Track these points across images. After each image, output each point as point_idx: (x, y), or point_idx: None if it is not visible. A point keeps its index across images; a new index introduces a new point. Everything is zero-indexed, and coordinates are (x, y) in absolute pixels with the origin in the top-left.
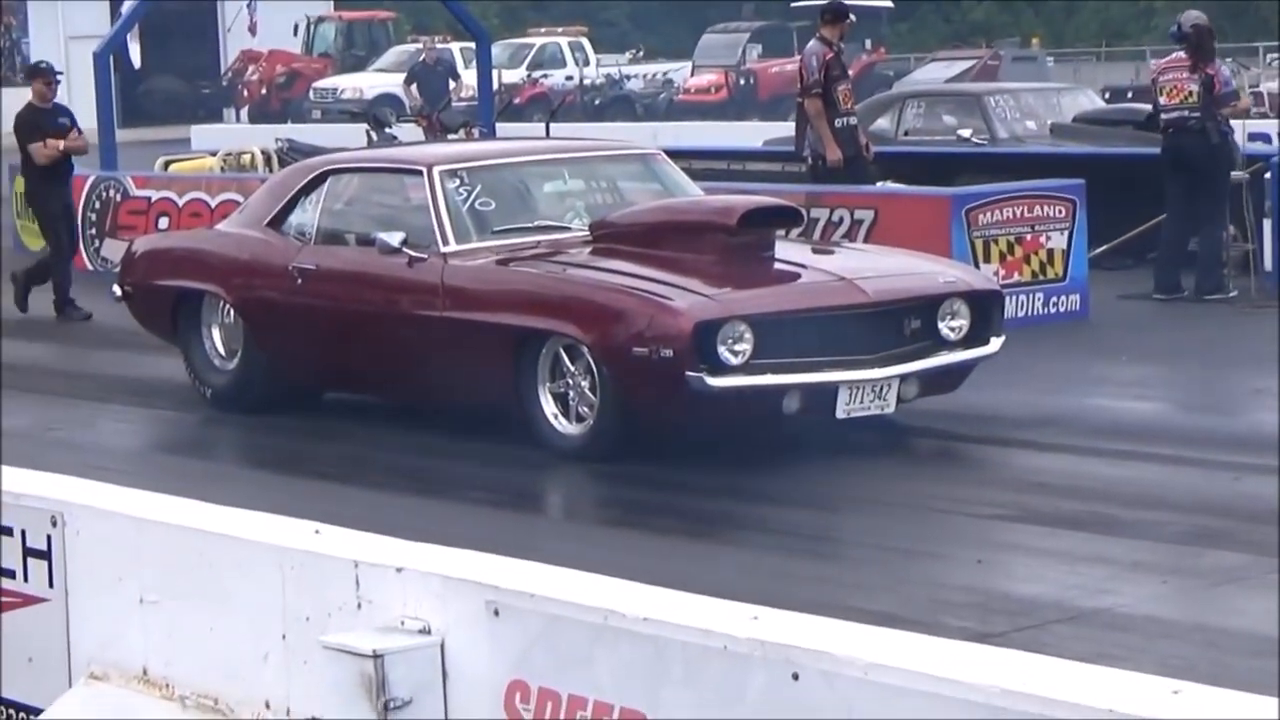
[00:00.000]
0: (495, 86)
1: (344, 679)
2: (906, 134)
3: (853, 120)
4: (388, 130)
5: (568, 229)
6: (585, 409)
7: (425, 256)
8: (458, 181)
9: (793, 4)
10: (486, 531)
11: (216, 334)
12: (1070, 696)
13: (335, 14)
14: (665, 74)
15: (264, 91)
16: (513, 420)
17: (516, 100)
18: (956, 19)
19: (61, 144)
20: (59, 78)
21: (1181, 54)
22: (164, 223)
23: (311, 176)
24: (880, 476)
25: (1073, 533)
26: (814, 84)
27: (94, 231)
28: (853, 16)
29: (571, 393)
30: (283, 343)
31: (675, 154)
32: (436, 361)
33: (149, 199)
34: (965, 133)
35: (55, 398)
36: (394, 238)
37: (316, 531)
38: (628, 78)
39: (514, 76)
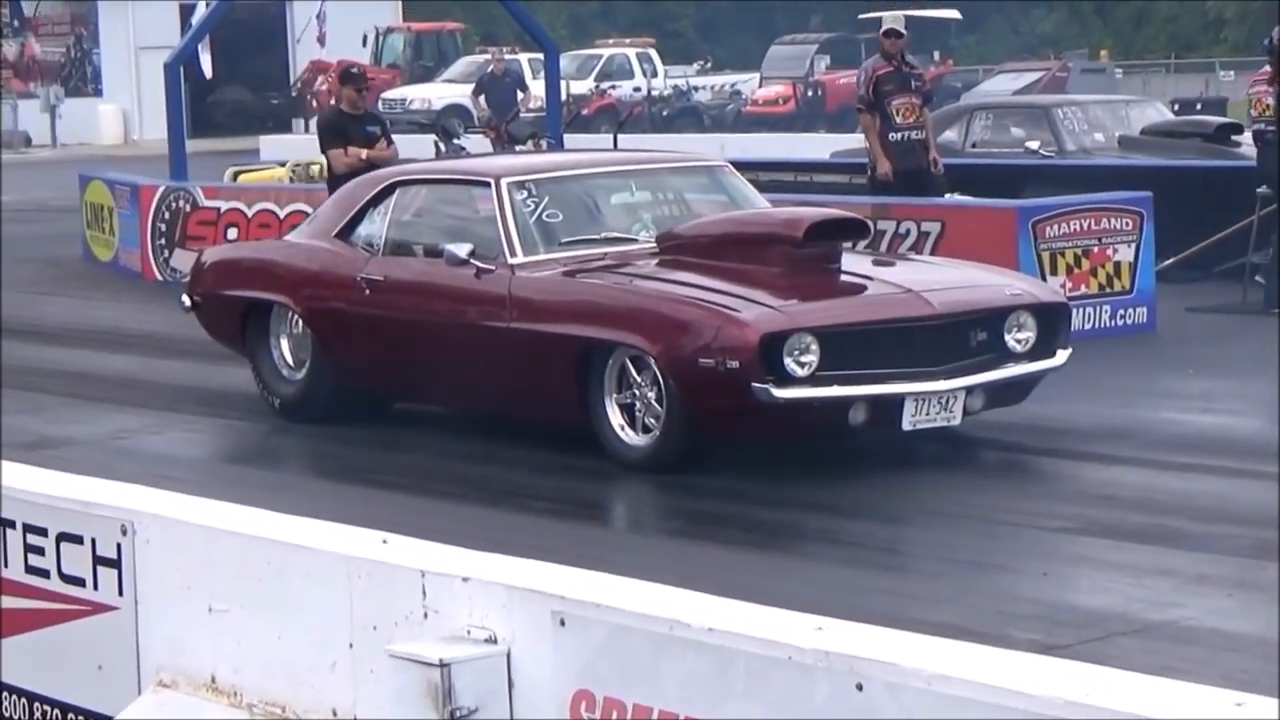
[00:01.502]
0: (563, 98)
1: (410, 687)
2: (974, 146)
3: (914, 134)
4: (456, 141)
5: (634, 240)
6: (651, 420)
7: (493, 268)
8: (525, 193)
9: (860, 16)
10: (550, 541)
11: (285, 344)
12: (1133, 709)
13: (404, 25)
14: (733, 85)
15: (333, 101)
16: (579, 431)
17: (584, 111)
18: (1025, 30)
19: (365, 153)
20: (369, 84)
21: (1268, 67)
22: (233, 233)
23: (380, 188)
24: (946, 488)
25: (1138, 545)
26: (860, 99)
27: (163, 242)
28: (904, 33)
29: (638, 404)
30: (350, 353)
31: (742, 166)
32: (503, 372)
33: (218, 209)
34: (1033, 145)
35: (126, 406)
36: (462, 249)
37: (384, 541)
38: (695, 89)
39: (582, 88)
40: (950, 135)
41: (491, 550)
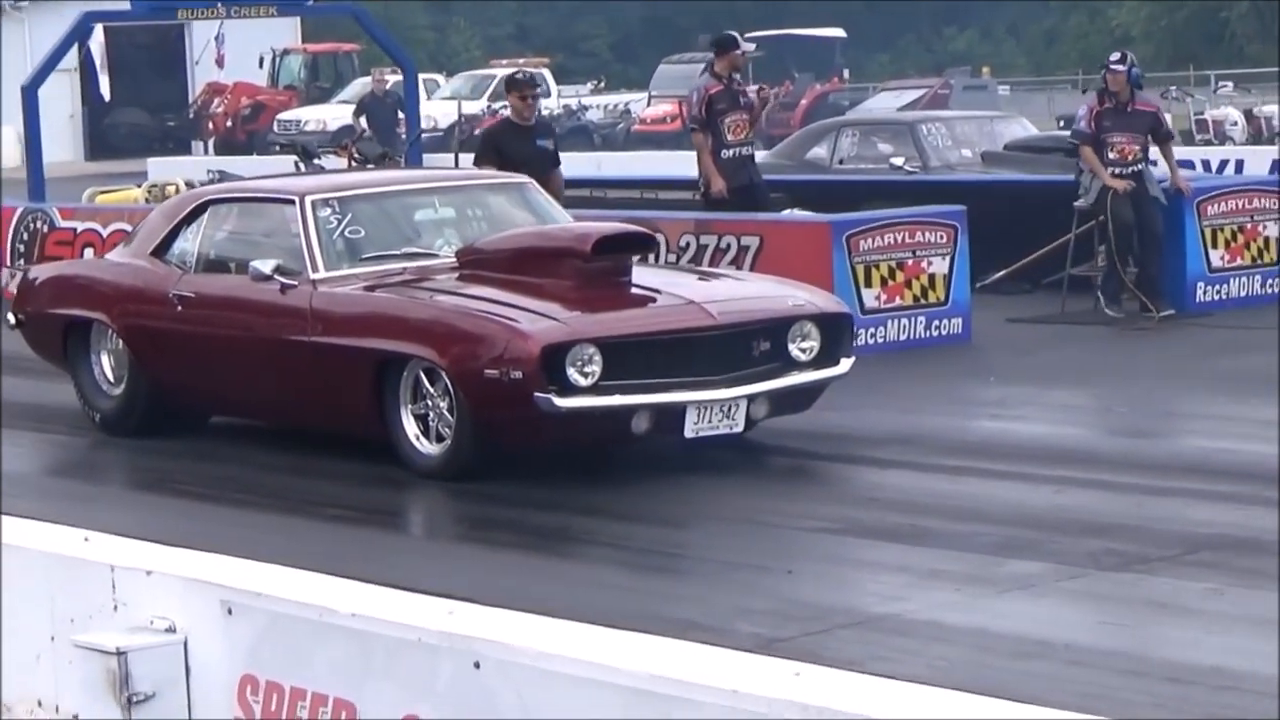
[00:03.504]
0: (456, 117)
1: (93, 676)
2: (841, 162)
3: (745, 151)
4: (315, 161)
5: (436, 255)
6: (445, 429)
7: (296, 283)
8: (329, 210)
9: (746, 35)
10: (333, 547)
11: (105, 360)
12: (703, 679)
13: (300, 46)
14: (625, 104)
15: (229, 124)
16: (379, 442)
17: (476, 130)
18: (938, 49)
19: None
20: (534, 86)
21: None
22: (89, 253)
23: (193, 206)
24: (725, 493)
25: (888, 544)
26: (694, 119)
27: (22, 262)
28: (745, 46)
29: (431, 414)
30: (164, 368)
31: (595, 183)
32: (306, 385)
33: (74, 230)
34: (898, 161)
35: None
36: (266, 265)
37: (86, 539)
38: (586, 108)
39: (474, 108)
40: (819, 151)
41: (265, 553)
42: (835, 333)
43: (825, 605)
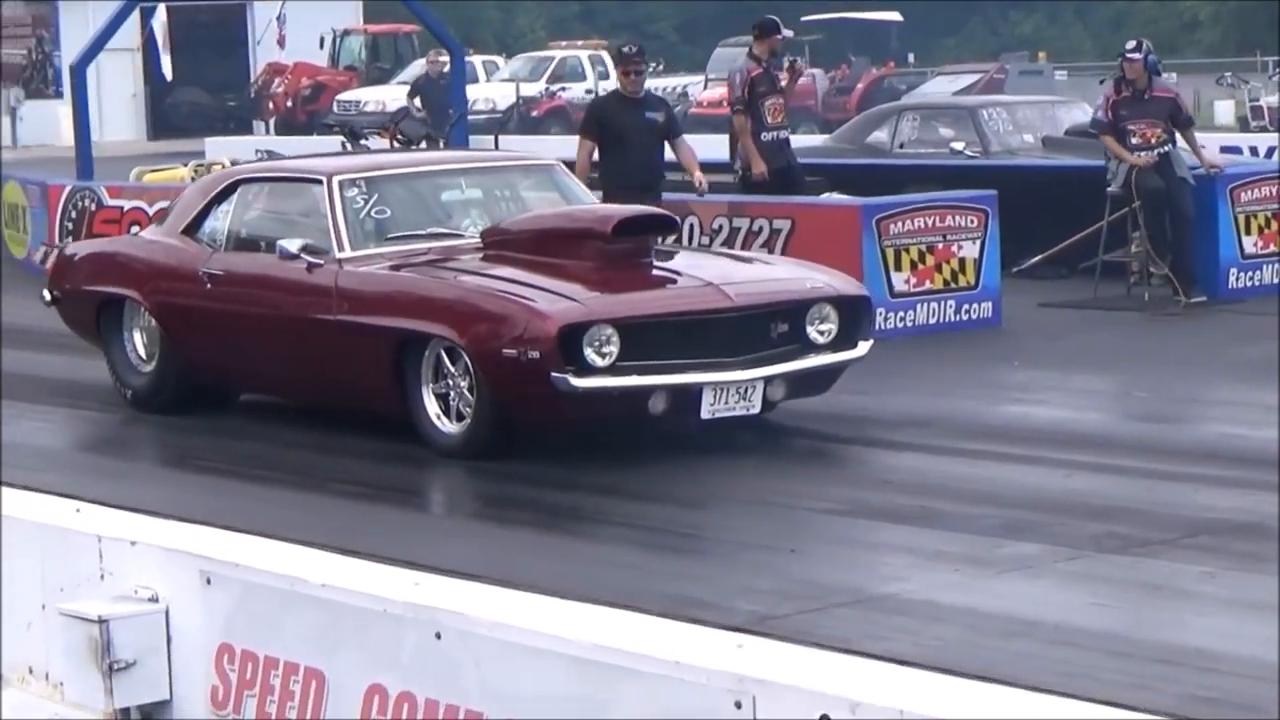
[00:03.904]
0: (514, 99)
1: (76, 643)
2: (902, 146)
3: (782, 134)
4: (362, 142)
5: (461, 236)
6: (465, 408)
7: (322, 262)
8: (355, 190)
9: (803, 18)
10: (350, 523)
11: (137, 337)
12: (647, 650)
13: (361, 27)
14: (682, 87)
15: (289, 104)
16: (400, 420)
17: (534, 113)
18: (1005, 32)
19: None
20: (640, 59)
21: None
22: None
23: (224, 186)
24: (740, 474)
25: (895, 526)
26: (737, 100)
27: (70, 239)
28: (785, 32)
29: (452, 393)
30: (194, 345)
31: None
32: (330, 362)
33: (121, 208)
34: (959, 146)
35: None
36: (293, 244)
37: (78, 510)
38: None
39: (532, 90)
40: (880, 136)
41: (280, 533)
42: (854, 315)
43: (825, 584)
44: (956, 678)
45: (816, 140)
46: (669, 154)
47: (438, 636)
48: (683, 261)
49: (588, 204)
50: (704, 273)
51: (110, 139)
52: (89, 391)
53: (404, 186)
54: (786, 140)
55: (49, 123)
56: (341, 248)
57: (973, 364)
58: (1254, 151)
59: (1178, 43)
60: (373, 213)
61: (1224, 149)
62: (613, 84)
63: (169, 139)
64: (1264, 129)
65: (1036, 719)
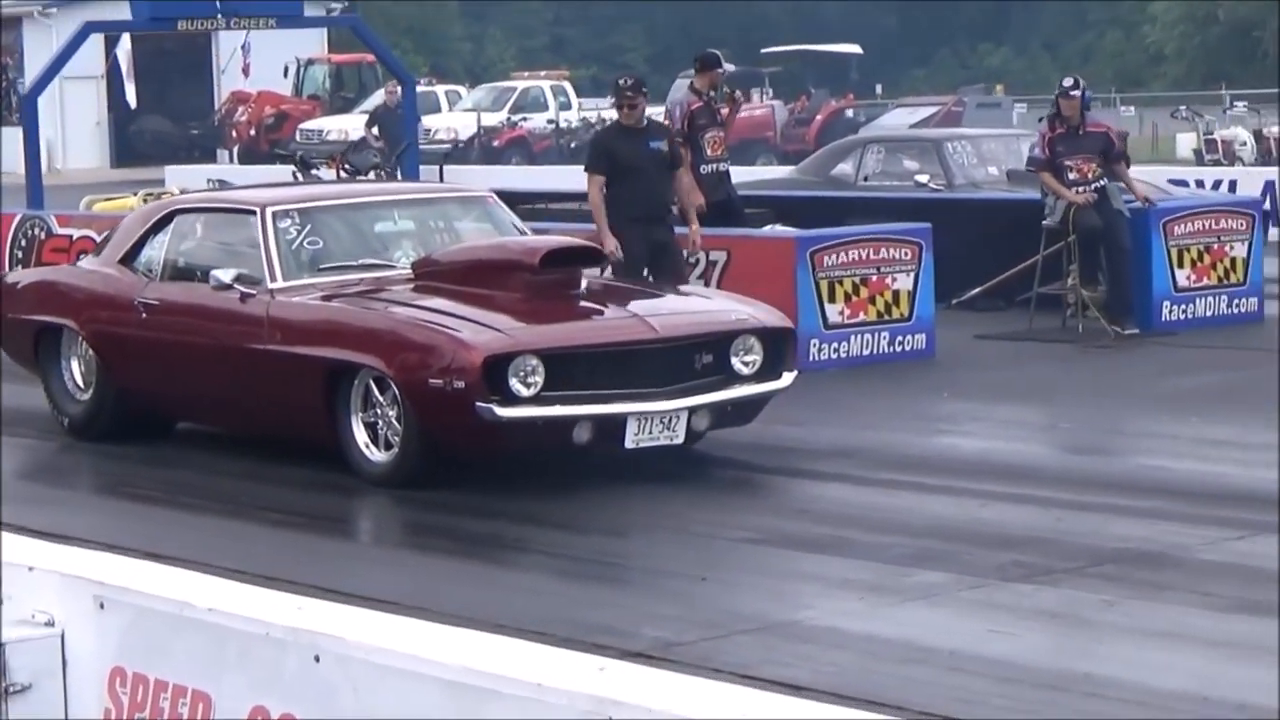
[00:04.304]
0: (475, 129)
1: None
2: (867, 179)
3: (722, 167)
4: (313, 172)
5: (393, 267)
6: (393, 437)
7: (254, 292)
8: (289, 221)
9: (763, 50)
10: (277, 552)
11: (75, 366)
12: (512, 673)
13: (325, 56)
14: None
15: (253, 133)
16: (331, 449)
17: (495, 143)
18: (974, 64)
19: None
20: (636, 92)
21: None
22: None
23: (160, 216)
24: (662, 503)
25: (808, 554)
26: (676, 133)
27: (20, 268)
28: (725, 66)
29: (381, 422)
30: (130, 374)
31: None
32: (263, 392)
33: (70, 237)
34: (923, 178)
35: None
36: (227, 274)
37: None
38: (604, 121)
39: (494, 120)
40: (845, 168)
41: (212, 557)
42: (778, 347)
43: (733, 612)
44: (822, 702)
45: (780, 172)
46: None
47: (317, 659)
48: (610, 293)
49: (519, 236)
50: (630, 304)
51: (74, 166)
52: (28, 419)
53: (337, 218)
54: (726, 173)
55: (10, 150)
56: (274, 278)
57: (903, 395)
58: (1200, 184)
59: (1143, 76)
60: (305, 243)
61: (1171, 181)
62: (573, 114)
63: (133, 167)
64: (1218, 162)
65: None
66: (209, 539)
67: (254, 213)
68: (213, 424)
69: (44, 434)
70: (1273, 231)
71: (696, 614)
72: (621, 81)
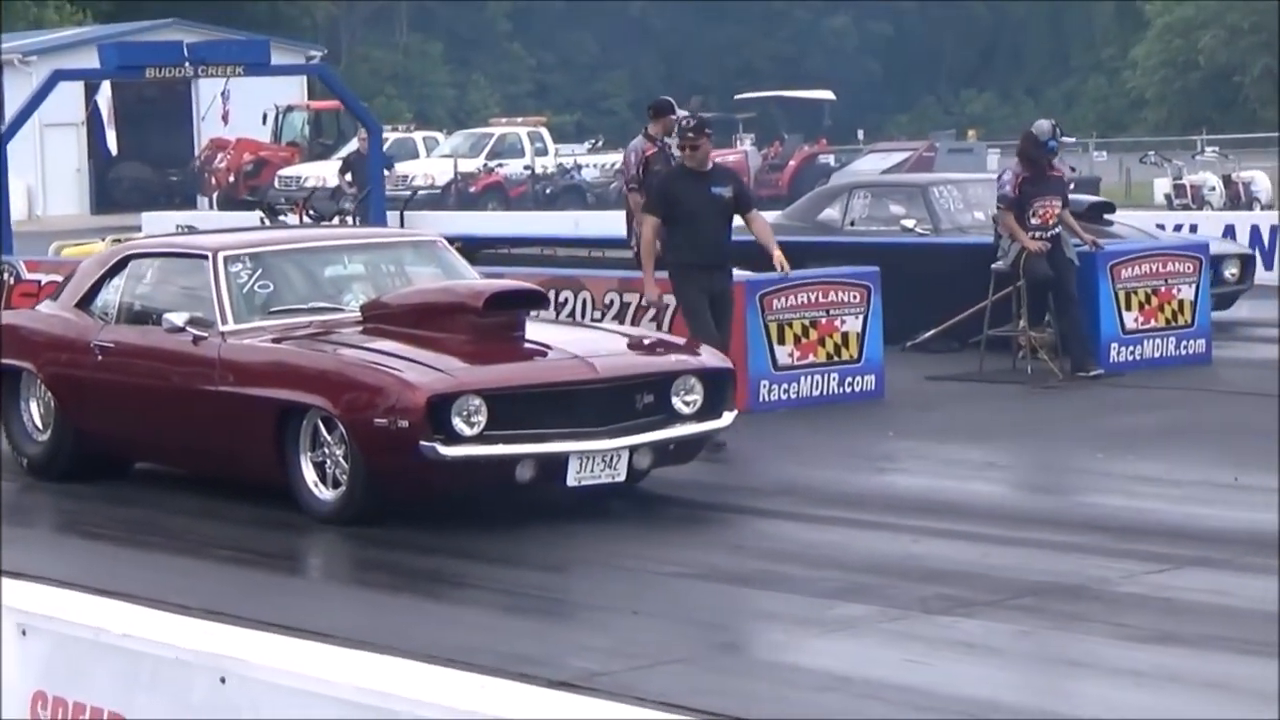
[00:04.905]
0: (452, 175)
1: None
2: (853, 224)
3: None
4: (280, 217)
5: (342, 309)
6: (341, 476)
7: (206, 335)
8: (240, 265)
9: (736, 96)
10: (225, 588)
11: (33, 407)
12: (407, 693)
13: (304, 103)
14: (617, 164)
15: (232, 179)
16: (281, 489)
17: (472, 189)
18: (957, 110)
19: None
20: (699, 134)
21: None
22: None
23: (116, 260)
24: (602, 540)
25: (739, 588)
26: (631, 179)
27: None
28: (679, 113)
29: (329, 461)
30: (86, 416)
31: (544, 241)
32: (215, 432)
33: (39, 282)
34: (909, 223)
35: None
36: (179, 317)
37: None
38: (581, 167)
39: (471, 165)
40: (831, 213)
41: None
42: (719, 387)
43: (659, 644)
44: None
45: (768, 217)
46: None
47: (222, 681)
48: (553, 334)
49: (467, 279)
50: (573, 345)
51: (54, 213)
52: None
53: (288, 262)
54: None
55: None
56: (225, 321)
57: (848, 435)
58: (1161, 227)
59: (1125, 120)
60: (256, 287)
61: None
62: (549, 160)
63: (112, 213)
64: (1186, 207)
65: None
66: (162, 575)
67: (206, 257)
68: (168, 464)
69: (4, 474)
70: (1270, 275)
71: (623, 645)
72: (684, 122)
